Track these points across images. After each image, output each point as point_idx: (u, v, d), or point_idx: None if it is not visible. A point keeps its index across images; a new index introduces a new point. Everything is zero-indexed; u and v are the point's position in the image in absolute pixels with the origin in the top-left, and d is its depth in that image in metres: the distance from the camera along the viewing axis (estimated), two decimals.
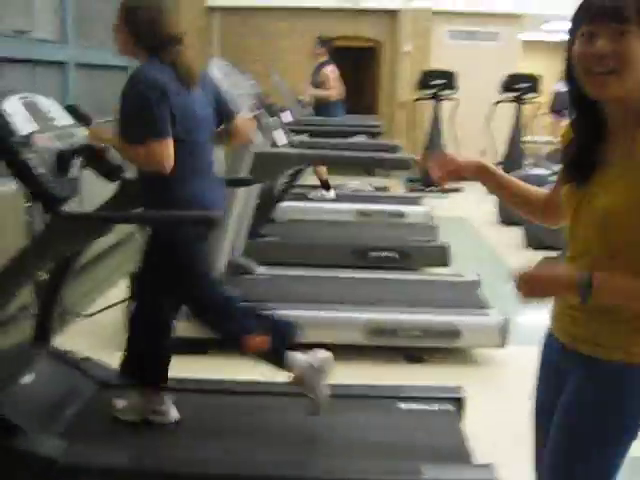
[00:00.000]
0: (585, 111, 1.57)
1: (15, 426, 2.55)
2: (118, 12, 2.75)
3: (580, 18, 1.47)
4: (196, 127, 2.71)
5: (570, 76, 1.53)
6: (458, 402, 3.06)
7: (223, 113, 2.92)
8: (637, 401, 1.55)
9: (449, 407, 3.03)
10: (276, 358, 2.82)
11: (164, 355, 2.94)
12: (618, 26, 1.40)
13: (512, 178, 1.89)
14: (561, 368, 1.68)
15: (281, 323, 2.91)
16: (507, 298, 5.30)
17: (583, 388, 1.59)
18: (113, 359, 3.45)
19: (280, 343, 2.82)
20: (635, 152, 1.45)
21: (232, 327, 2.84)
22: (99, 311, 4.41)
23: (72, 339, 4.01)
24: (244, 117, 2.88)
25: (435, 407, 3.04)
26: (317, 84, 8.34)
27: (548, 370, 1.78)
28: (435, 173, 1.85)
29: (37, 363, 2.95)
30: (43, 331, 3.06)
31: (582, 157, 1.57)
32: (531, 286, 1.52)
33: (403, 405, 3.08)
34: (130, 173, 2.69)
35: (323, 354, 2.84)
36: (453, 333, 3.91)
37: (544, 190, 1.85)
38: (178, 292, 2.90)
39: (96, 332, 4.20)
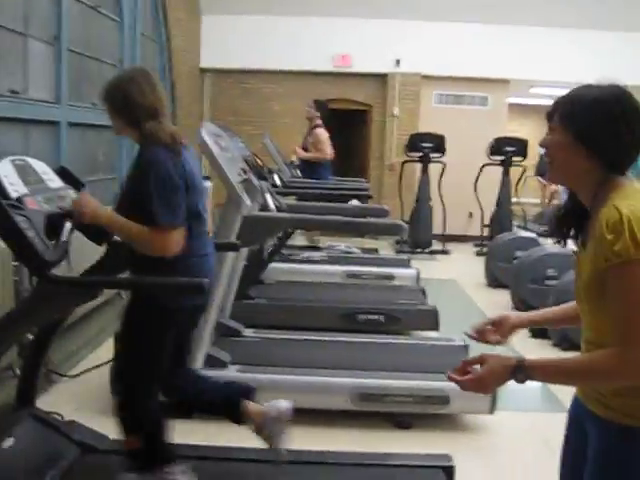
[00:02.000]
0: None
1: None
2: (101, 98, 2.82)
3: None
4: (200, 195, 2.78)
5: None
6: (448, 471, 3.01)
7: None
8: None
9: (439, 476, 2.98)
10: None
11: (162, 426, 2.86)
12: (549, 124, 1.68)
13: (547, 309, 2.07)
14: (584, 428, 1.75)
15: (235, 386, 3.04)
16: None
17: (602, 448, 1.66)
18: (98, 421, 3.41)
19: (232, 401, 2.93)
20: (594, 232, 1.58)
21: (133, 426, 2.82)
22: (85, 372, 4.40)
23: (57, 400, 3.95)
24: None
25: (425, 476, 3.00)
26: (308, 146, 8.49)
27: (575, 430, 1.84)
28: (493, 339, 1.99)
29: (20, 426, 2.90)
30: (27, 392, 3.02)
31: (567, 221, 1.77)
32: (474, 387, 1.67)
33: (392, 474, 3.03)
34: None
35: (282, 404, 2.87)
36: (442, 399, 3.86)
37: None
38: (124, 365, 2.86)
39: (82, 393, 4.14)
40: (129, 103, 2.70)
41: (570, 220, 1.75)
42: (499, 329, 1.98)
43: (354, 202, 6.78)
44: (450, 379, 1.69)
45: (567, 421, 1.88)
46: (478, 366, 1.69)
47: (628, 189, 1.61)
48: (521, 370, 1.61)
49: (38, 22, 5.31)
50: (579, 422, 1.78)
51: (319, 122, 8.57)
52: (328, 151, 8.51)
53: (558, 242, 1.80)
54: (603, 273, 1.55)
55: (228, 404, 2.96)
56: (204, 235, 2.86)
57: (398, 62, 10.87)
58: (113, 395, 2.92)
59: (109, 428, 3.24)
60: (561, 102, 1.67)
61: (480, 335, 1.98)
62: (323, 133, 8.53)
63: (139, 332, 2.75)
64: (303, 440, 3.11)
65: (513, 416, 4.19)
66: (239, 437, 3.16)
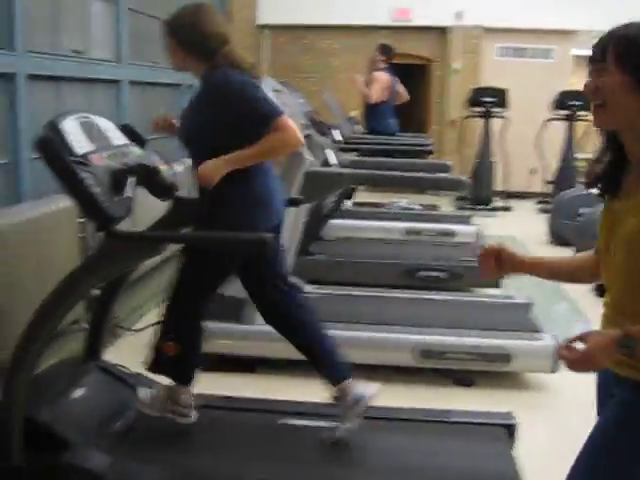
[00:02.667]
0: (609, 138, 1.70)
1: (64, 440, 2.58)
2: (164, 32, 2.82)
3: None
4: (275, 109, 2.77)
5: None
6: (509, 428, 2.99)
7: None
8: None
9: (500, 433, 2.96)
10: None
11: (197, 357, 2.95)
12: (599, 65, 1.59)
13: (554, 258, 2.05)
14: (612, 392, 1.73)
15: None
16: (559, 321, 5.24)
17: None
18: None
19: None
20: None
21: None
22: (149, 326, 4.48)
23: (123, 353, 4.05)
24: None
25: (486, 433, 2.98)
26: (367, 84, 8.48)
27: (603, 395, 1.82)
28: (485, 265, 1.94)
29: (87, 377, 2.98)
30: (94, 346, 3.10)
31: (608, 173, 1.70)
32: (579, 366, 1.57)
33: (453, 430, 3.02)
34: (182, 192, 2.72)
35: (372, 390, 2.86)
36: (504, 357, 3.83)
37: (589, 252, 1.89)
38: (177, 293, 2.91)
39: (146, 347, 4.22)
40: (202, 33, 2.72)
41: (616, 171, 1.67)
42: (498, 261, 1.94)
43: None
44: (560, 357, 1.60)
45: (596, 394, 1.86)
46: (580, 344, 1.60)
47: None
48: (629, 339, 1.52)
49: None
50: (607, 389, 1.75)
51: (381, 66, 8.45)
52: (372, 93, 8.35)
53: (601, 195, 1.73)
54: None
55: (336, 366, 2.93)
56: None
57: (459, 15, 10.60)
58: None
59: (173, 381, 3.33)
60: (613, 41, 1.58)
61: (483, 259, 1.94)
62: (379, 75, 8.39)
63: (200, 257, 2.79)
64: None
65: (575, 375, 4.11)
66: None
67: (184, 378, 2.93)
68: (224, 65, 2.72)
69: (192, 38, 2.74)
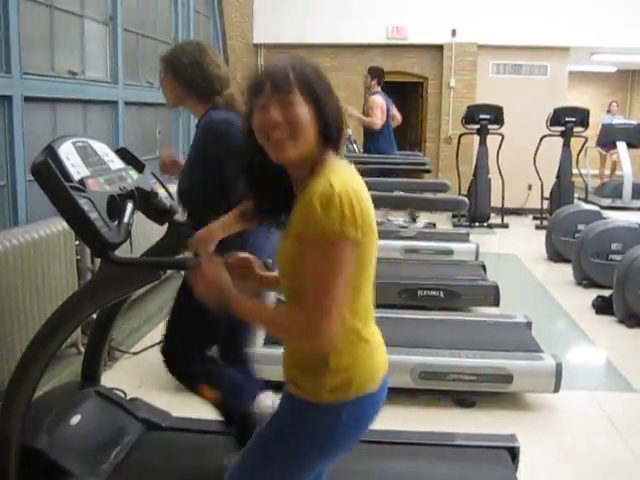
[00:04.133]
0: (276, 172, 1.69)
1: (62, 468, 2.54)
2: (163, 66, 2.77)
3: (254, 92, 1.63)
4: None
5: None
6: (512, 451, 2.95)
7: None
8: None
9: (503, 456, 2.93)
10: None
11: (245, 406, 2.76)
12: (283, 96, 1.59)
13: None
14: None
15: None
16: (559, 341, 5.21)
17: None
18: (161, 398, 3.46)
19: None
20: (292, 219, 1.60)
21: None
22: (146, 348, 4.45)
23: (120, 376, 4.02)
24: None
25: (489, 456, 2.95)
26: (364, 112, 8.36)
27: None
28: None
29: (85, 403, 2.94)
30: (91, 370, 3.06)
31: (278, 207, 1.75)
32: (205, 285, 1.69)
33: (455, 453, 2.99)
34: (179, 216, 2.70)
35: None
36: (505, 377, 3.80)
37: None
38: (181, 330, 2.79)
39: (144, 370, 4.20)
40: (205, 75, 2.67)
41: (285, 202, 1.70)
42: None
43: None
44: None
45: None
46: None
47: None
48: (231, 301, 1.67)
49: (94, 3, 5.34)
50: None
51: (377, 89, 8.36)
52: (377, 119, 8.17)
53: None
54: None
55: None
56: None
57: (454, 32, 10.66)
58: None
59: (171, 405, 3.30)
60: (294, 73, 1.63)
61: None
62: (376, 99, 8.24)
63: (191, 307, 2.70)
64: None
65: (578, 395, 4.10)
66: None
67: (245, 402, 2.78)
68: (224, 108, 2.67)
69: (194, 77, 2.68)
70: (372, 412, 1.74)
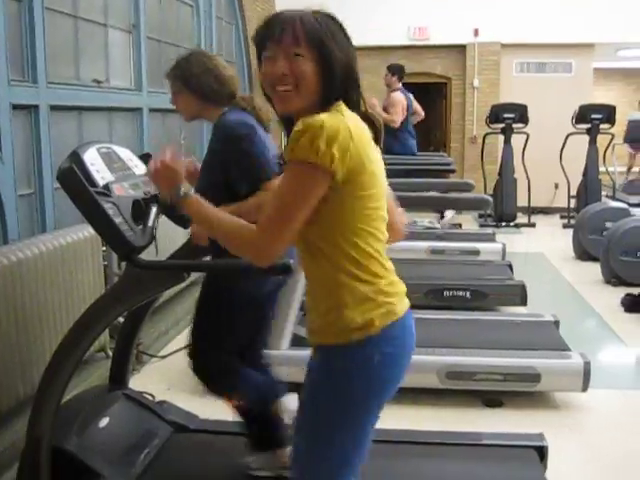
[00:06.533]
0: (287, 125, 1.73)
1: (91, 469, 2.57)
2: (172, 83, 2.76)
3: (262, 43, 1.67)
4: (272, 171, 2.65)
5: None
6: (540, 450, 2.93)
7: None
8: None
9: (532, 455, 2.91)
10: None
11: (267, 407, 2.77)
12: (290, 48, 1.61)
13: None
14: None
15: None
16: (587, 339, 5.16)
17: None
18: (188, 400, 3.48)
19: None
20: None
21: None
22: (174, 352, 4.49)
23: (148, 380, 4.06)
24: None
25: (517, 455, 2.93)
26: (384, 109, 8.27)
27: None
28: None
29: (113, 406, 2.97)
30: (119, 373, 3.09)
31: None
32: (158, 174, 1.80)
33: (483, 452, 2.98)
34: None
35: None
36: (533, 377, 3.77)
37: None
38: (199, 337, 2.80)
39: (171, 373, 4.23)
40: (219, 78, 2.68)
41: None
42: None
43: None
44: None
45: None
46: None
47: None
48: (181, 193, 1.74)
49: (117, 12, 5.40)
50: None
51: (397, 86, 8.30)
52: (396, 117, 8.10)
53: None
54: None
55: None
56: None
57: (476, 32, 10.62)
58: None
59: (199, 408, 3.32)
60: (300, 26, 1.63)
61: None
62: (397, 96, 8.18)
63: (215, 311, 2.72)
64: (391, 419, 3.08)
65: (607, 394, 4.05)
66: None
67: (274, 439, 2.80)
68: (243, 109, 2.68)
69: (209, 84, 2.68)
70: (405, 335, 1.76)
